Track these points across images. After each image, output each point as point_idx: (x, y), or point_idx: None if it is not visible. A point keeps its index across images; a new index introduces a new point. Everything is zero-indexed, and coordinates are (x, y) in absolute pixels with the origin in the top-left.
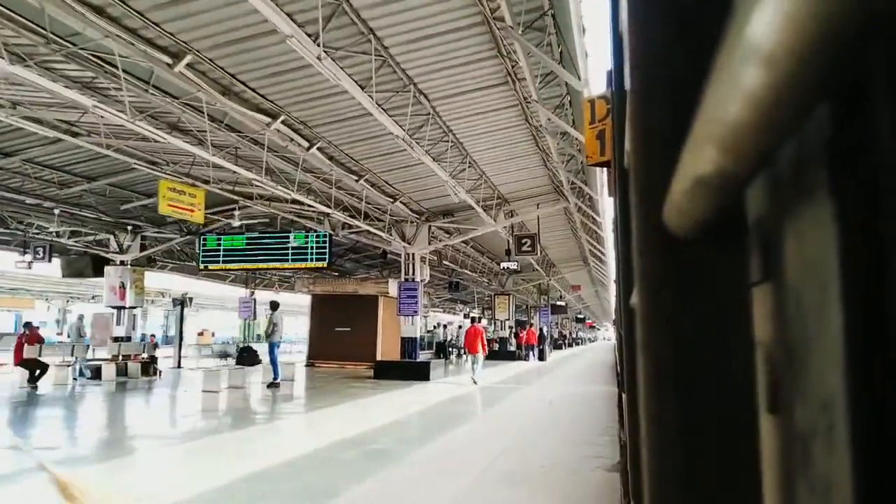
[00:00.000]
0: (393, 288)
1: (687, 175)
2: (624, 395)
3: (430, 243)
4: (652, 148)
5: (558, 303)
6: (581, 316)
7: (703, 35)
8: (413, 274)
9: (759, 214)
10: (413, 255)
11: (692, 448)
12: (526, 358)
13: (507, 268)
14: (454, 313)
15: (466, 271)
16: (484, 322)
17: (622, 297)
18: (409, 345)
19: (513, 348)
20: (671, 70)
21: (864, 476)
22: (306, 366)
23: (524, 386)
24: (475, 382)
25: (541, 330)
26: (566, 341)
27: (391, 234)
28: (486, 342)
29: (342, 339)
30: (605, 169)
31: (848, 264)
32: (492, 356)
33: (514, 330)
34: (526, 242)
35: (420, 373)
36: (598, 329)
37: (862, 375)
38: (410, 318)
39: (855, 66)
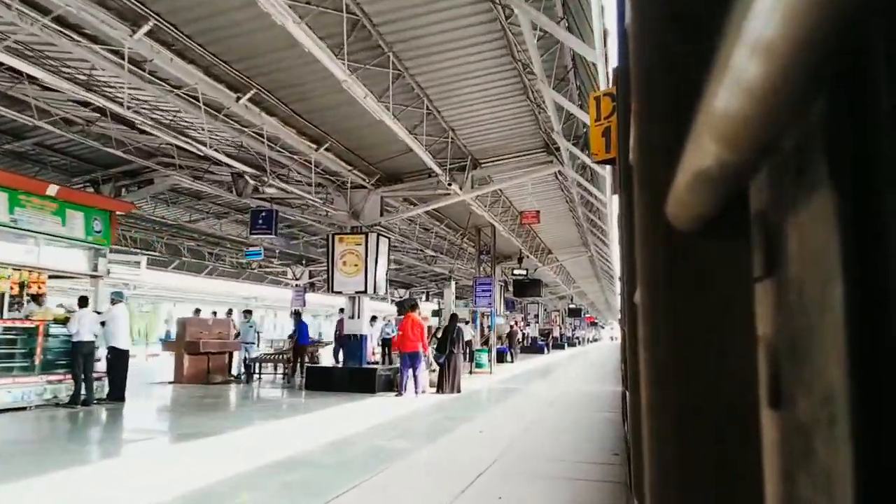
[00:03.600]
0: None
1: (689, 169)
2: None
3: None
4: (655, 142)
5: (518, 272)
6: (574, 306)
7: (705, 31)
8: None
9: (761, 209)
10: None
11: (692, 440)
12: (399, 387)
13: None
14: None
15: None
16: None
17: (627, 294)
18: None
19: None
20: (674, 66)
21: (865, 468)
22: None
23: None
24: None
25: (453, 318)
26: (550, 342)
27: None
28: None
29: None
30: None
31: (849, 258)
32: (317, 383)
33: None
34: None
35: None
36: (603, 327)
37: (863, 369)
38: None
39: (853, 58)
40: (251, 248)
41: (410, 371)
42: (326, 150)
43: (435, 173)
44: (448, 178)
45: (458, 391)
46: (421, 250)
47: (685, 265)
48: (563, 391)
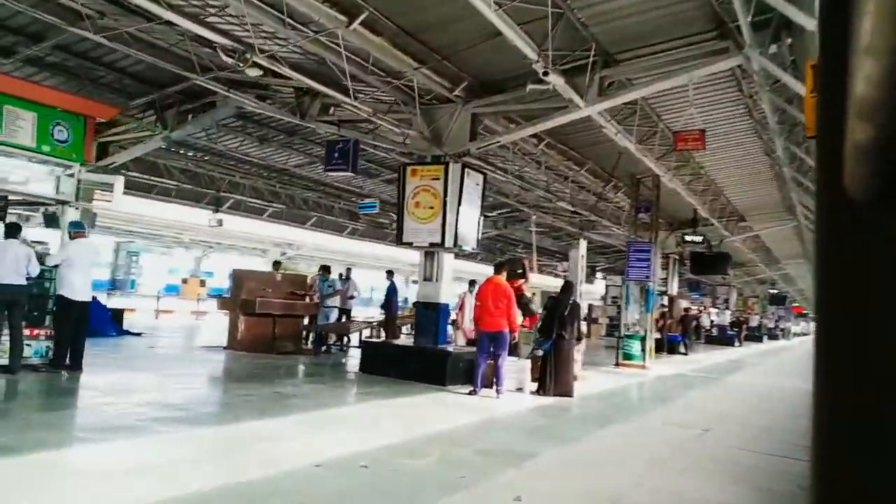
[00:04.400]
0: None
1: (849, 141)
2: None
3: None
4: (830, 114)
5: (690, 239)
6: (777, 292)
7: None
8: None
9: None
10: None
11: (863, 415)
12: (474, 382)
13: None
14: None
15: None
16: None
17: None
18: None
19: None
20: (838, 39)
21: None
22: None
23: None
24: None
25: (566, 288)
26: (742, 332)
27: None
28: None
29: None
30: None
31: None
32: (373, 365)
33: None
34: None
35: None
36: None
37: None
38: None
39: None
40: (366, 200)
41: (492, 360)
42: (365, 26)
43: (540, 76)
44: (546, 66)
45: (567, 395)
46: (553, 202)
47: (861, 237)
48: (739, 407)
